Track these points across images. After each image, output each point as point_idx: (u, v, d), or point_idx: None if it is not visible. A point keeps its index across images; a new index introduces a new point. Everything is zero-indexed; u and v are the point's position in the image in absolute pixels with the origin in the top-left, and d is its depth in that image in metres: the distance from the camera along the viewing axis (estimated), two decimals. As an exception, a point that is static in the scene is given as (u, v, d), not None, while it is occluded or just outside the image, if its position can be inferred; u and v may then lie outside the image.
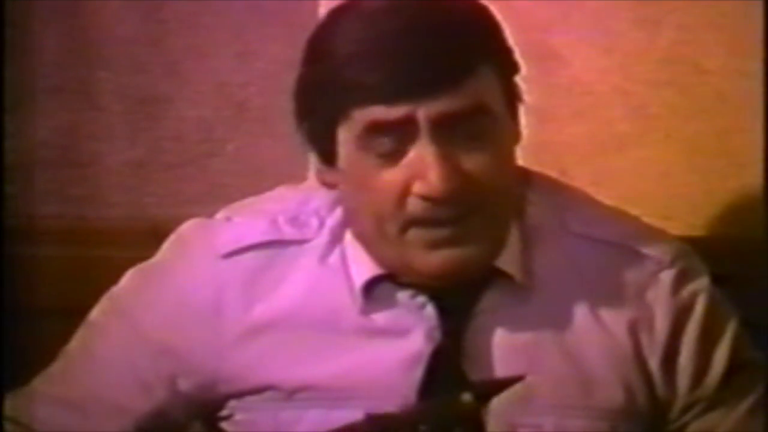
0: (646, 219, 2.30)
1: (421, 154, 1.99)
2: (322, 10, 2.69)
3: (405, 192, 2.00)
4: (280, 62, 2.66)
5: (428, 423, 1.93)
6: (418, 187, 1.99)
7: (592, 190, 2.30)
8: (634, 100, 2.71)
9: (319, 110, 2.07)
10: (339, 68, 2.03)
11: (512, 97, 2.10)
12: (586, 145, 2.66)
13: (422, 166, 1.99)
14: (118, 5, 2.91)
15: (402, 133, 1.99)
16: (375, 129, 2.00)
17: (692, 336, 2.14)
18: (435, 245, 2.03)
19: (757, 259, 2.55)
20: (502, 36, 2.10)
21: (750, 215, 2.62)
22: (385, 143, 2.01)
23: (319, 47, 2.09)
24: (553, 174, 2.29)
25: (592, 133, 2.67)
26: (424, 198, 2.00)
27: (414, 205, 2.01)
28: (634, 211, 2.29)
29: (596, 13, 2.78)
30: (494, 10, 2.15)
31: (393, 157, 2.01)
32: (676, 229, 2.41)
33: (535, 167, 2.22)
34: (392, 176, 2.01)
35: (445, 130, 1.99)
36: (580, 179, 2.45)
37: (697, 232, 2.55)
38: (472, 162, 2.01)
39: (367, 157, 2.02)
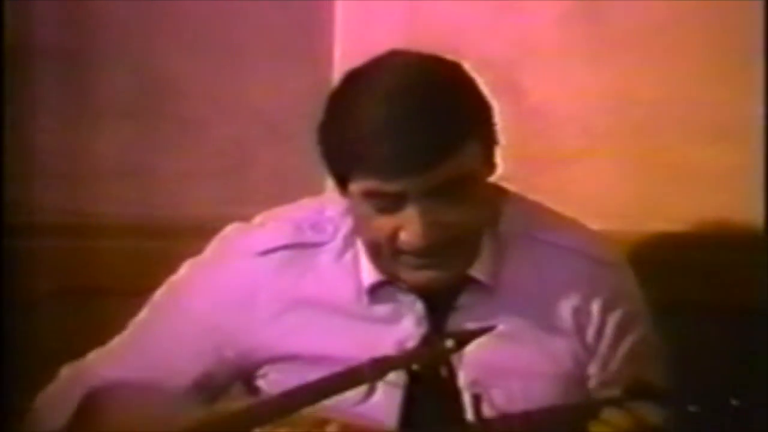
0: (590, 216, 2.42)
1: (408, 214, 2.13)
2: (337, 51, 3.00)
3: (396, 233, 2.15)
4: (303, 91, 2.73)
5: (419, 363, 2.12)
6: (403, 237, 2.14)
7: (551, 194, 2.41)
8: (584, 123, 2.82)
9: (332, 164, 2.20)
10: (348, 142, 2.15)
11: (491, 153, 2.22)
12: (545, 159, 2.76)
13: (408, 222, 2.13)
14: (172, 46, 2.98)
15: (394, 199, 2.14)
16: (373, 194, 2.14)
17: (617, 316, 2.30)
18: (419, 268, 2.19)
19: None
20: (488, 114, 2.20)
21: (672, 210, 2.74)
22: (380, 203, 2.14)
23: (336, 112, 2.20)
24: (519, 181, 2.38)
25: (550, 149, 2.79)
26: (408, 247, 2.17)
27: (402, 242, 2.16)
28: (583, 210, 2.42)
29: (553, 52, 2.87)
30: (470, 60, 2.22)
31: (387, 210, 2.15)
32: (611, 224, 2.57)
33: (504, 174, 2.28)
34: (386, 223, 2.15)
35: (430, 195, 2.13)
36: (541, 185, 2.55)
37: (629, 227, 2.69)
38: (452, 214, 2.14)
39: (367, 206, 2.16)
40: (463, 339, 2.04)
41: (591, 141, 2.81)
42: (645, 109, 2.80)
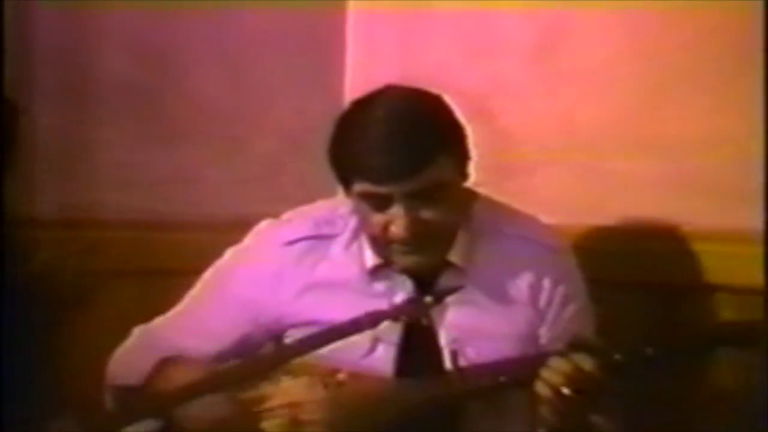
0: (545, 213, 2.62)
1: (395, 212, 2.37)
2: (347, 83, 3.25)
3: (387, 227, 2.39)
4: (320, 115, 2.74)
5: (407, 315, 2.34)
6: (392, 229, 2.39)
7: (514, 197, 2.64)
8: (541, 141, 2.98)
9: (338, 171, 2.44)
10: (350, 155, 2.40)
11: (464, 165, 2.44)
12: (510, 169, 2.92)
13: (395, 218, 2.38)
14: (214, 77, 3.15)
15: (384, 199, 2.37)
16: (367, 196, 2.37)
17: (562, 290, 2.52)
18: (406, 254, 2.42)
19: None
20: (461, 134, 2.44)
21: (607, 208, 2.88)
22: (373, 202, 2.38)
23: (342, 132, 2.45)
24: (489, 186, 2.58)
25: (514, 161, 2.95)
26: (396, 237, 2.40)
27: (392, 234, 2.40)
28: (540, 209, 2.61)
29: (518, 86, 3.03)
30: (450, 92, 2.43)
31: (379, 208, 2.38)
32: (561, 220, 2.72)
33: (478, 181, 2.50)
34: (379, 219, 2.39)
35: (412, 198, 2.36)
36: (507, 190, 2.72)
37: (574, 222, 2.82)
38: (430, 213, 2.38)
39: (364, 205, 2.40)
40: (438, 296, 2.32)
41: (547, 155, 2.96)
42: (589, 130, 2.94)
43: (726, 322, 2.52)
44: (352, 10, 3.23)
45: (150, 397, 2.40)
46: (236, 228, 2.59)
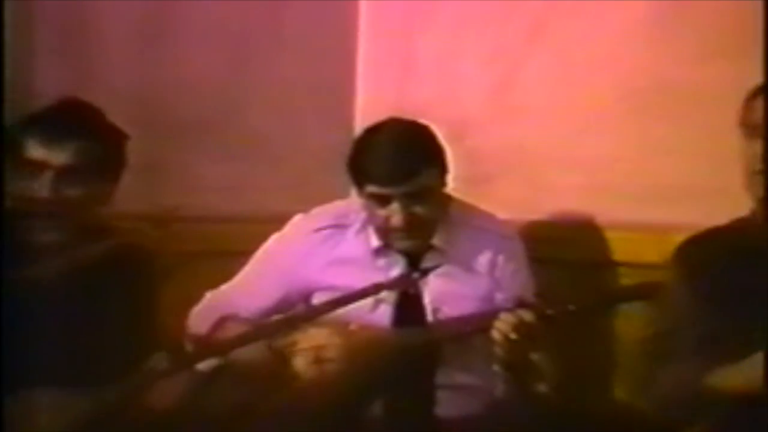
0: (501, 211, 2.63)
1: (394, 208, 2.42)
2: (358, 117, 3.18)
3: (388, 219, 2.43)
4: (338, 139, 2.76)
5: (400, 285, 2.46)
6: (392, 221, 2.43)
7: (479, 199, 2.64)
8: (498, 158, 2.94)
9: (353, 177, 2.47)
10: (363, 167, 2.44)
11: (444, 175, 2.47)
12: (476, 179, 2.82)
13: (394, 213, 2.42)
14: (256, 111, 3.04)
15: (386, 198, 2.42)
16: (374, 195, 2.44)
17: (512, 265, 2.56)
18: (401, 239, 2.47)
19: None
20: (443, 154, 2.47)
21: (545, 207, 2.85)
22: (378, 200, 2.43)
23: (357, 150, 2.48)
24: (461, 191, 2.59)
25: (479, 173, 2.86)
26: (394, 227, 2.44)
27: (391, 224, 2.44)
28: (497, 208, 2.63)
29: (481, 116, 2.99)
30: (435, 122, 2.50)
31: (382, 205, 2.43)
32: (512, 215, 2.71)
33: (454, 187, 2.54)
34: (382, 213, 2.43)
35: (407, 198, 2.41)
36: (473, 194, 2.65)
37: (521, 217, 2.78)
38: (419, 210, 2.43)
39: (372, 202, 2.45)
40: (424, 272, 2.46)
41: (503, 170, 2.94)
42: (533, 151, 2.91)
43: (625, 286, 2.55)
44: (361, 59, 3.21)
45: (213, 343, 2.45)
46: (277, 221, 2.61)
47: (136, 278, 2.30)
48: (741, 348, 1.95)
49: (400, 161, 2.43)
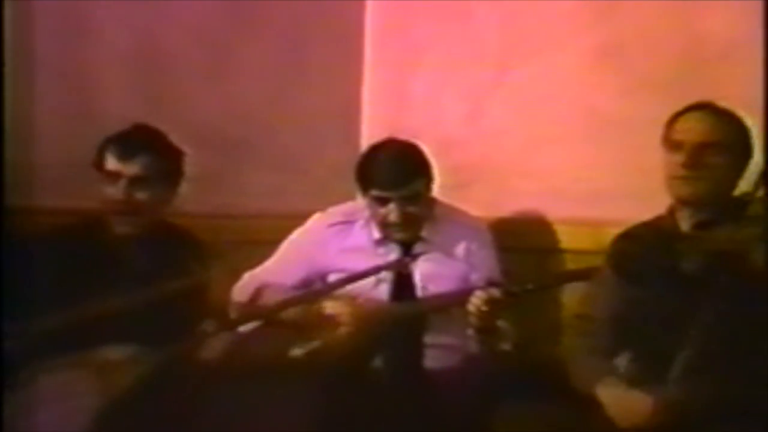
0: (474, 210, 2.61)
1: (392, 208, 2.43)
2: (364, 137, 3.07)
3: (387, 216, 2.44)
4: (350, 154, 2.64)
5: (396, 267, 2.44)
6: (390, 218, 2.44)
7: (458, 202, 2.61)
8: (472, 170, 2.86)
9: (360, 183, 2.48)
10: (368, 175, 2.45)
11: (431, 183, 2.47)
12: (455, 185, 2.73)
13: (392, 212, 2.43)
14: (287, 133, 2.98)
15: (386, 200, 2.43)
16: (376, 197, 2.45)
17: (483, 251, 2.54)
18: (397, 232, 2.48)
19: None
20: (430, 167, 2.47)
21: (505, 207, 2.79)
22: (380, 201, 2.44)
23: (364, 162, 2.49)
24: (444, 194, 2.58)
25: (457, 181, 2.76)
26: (392, 223, 2.44)
27: (389, 221, 2.44)
28: (471, 207, 2.61)
29: (459, 137, 2.92)
30: (424, 141, 2.49)
31: (383, 205, 2.44)
32: (481, 213, 2.63)
33: (437, 193, 2.54)
34: (383, 211, 2.45)
35: (402, 200, 2.42)
36: (454, 197, 2.62)
37: (491, 215, 2.70)
38: (412, 209, 2.44)
39: (374, 203, 2.45)
40: (414, 257, 2.47)
41: (475, 178, 2.87)
42: (498, 164, 2.87)
43: (569, 270, 2.52)
44: (366, 92, 3.13)
45: (250, 311, 2.46)
46: (300, 218, 2.61)
47: (191, 261, 2.28)
48: (647, 325, 2.01)
49: (397, 171, 2.45)
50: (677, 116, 2.11)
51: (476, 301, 2.32)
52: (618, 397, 1.96)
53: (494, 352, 2.40)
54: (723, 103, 2.10)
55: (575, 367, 2.12)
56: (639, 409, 1.90)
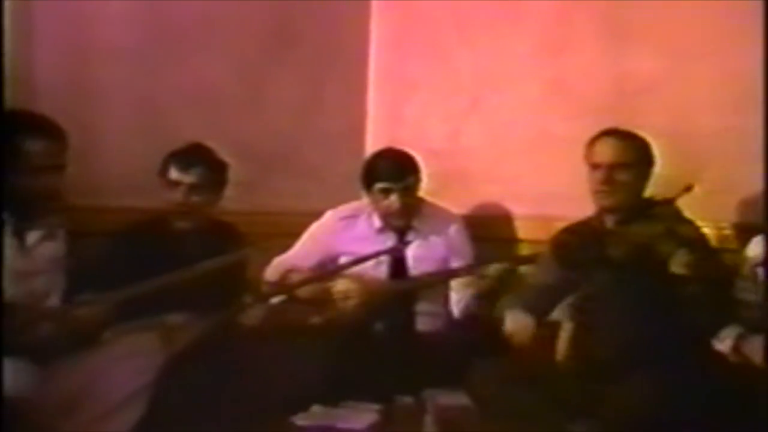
0: (454, 207, 2.60)
1: (392, 199, 2.42)
2: (368, 147, 2.94)
3: (388, 207, 2.43)
4: (353, 167, 2.56)
5: (392, 252, 2.41)
6: (392, 207, 2.43)
7: (440, 200, 2.58)
8: (457, 175, 2.77)
9: (366, 180, 2.45)
10: (373, 171, 2.44)
11: (420, 182, 2.45)
12: (437, 190, 2.60)
13: (392, 202, 2.42)
14: (314, 149, 2.90)
15: (388, 192, 2.43)
16: (381, 189, 2.44)
17: (459, 238, 2.52)
18: (397, 219, 2.47)
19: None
20: (419, 169, 2.46)
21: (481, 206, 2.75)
22: (383, 193, 2.42)
23: (368, 164, 2.48)
24: (430, 196, 2.55)
25: (440, 185, 2.63)
26: (392, 212, 2.44)
27: (390, 210, 2.44)
28: (451, 204, 2.59)
29: (439, 150, 2.80)
30: (415, 150, 2.46)
31: (385, 196, 2.44)
32: (459, 211, 2.62)
33: (424, 192, 2.51)
34: (386, 202, 2.43)
35: (402, 190, 2.41)
36: (436, 196, 2.57)
37: (460, 211, 2.65)
38: (409, 199, 2.44)
39: (379, 195, 2.44)
40: (406, 243, 2.44)
41: (451, 183, 2.76)
42: (469, 171, 2.81)
43: (524, 255, 2.50)
44: (370, 119, 3.02)
45: (280, 286, 2.45)
46: (317, 215, 2.60)
47: (233, 248, 2.27)
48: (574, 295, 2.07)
49: (397, 167, 2.45)
50: (594, 140, 2.14)
51: (456, 281, 2.37)
52: (511, 318, 2.06)
53: (468, 316, 2.40)
54: (645, 128, 2.14)
55: (510, 315, 2.14)
56: (524, 325, 2.02)
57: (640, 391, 1.79)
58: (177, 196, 2.31)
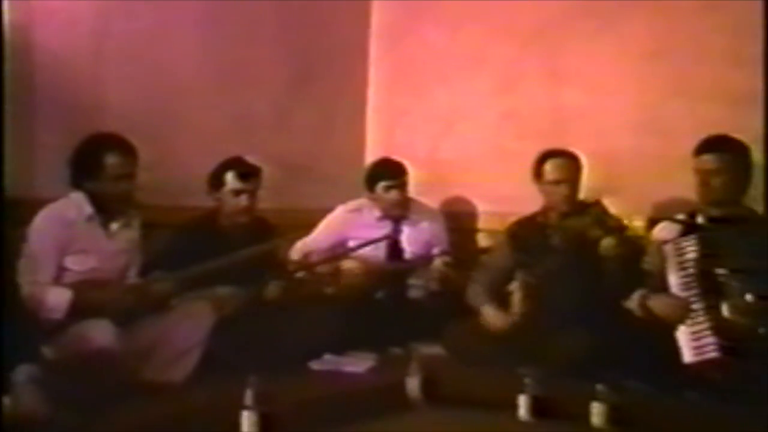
0: (438, 206, 2.60)
1: (394, 193, 2.41)
2: (366, 159, 2.87)
3: (390, 200, 2.41)
4: (357, 175, 2.55)
5: (388, 239, 2.39)
6: (394, 200, 2.41)
7: (427, 199, 2.59)
8: (448, 179, 2.70)
9: (369, 181, 2.43)
10: (376, 174, 2.43)
11: (408, 181, 2.41)
12: (425, 191, 2.57)
13: (393, 197, 2.42)
14: (329, 162, 2.82)
15: (390, 187, 2.41)
16: (386, 186, 2.43)
17: (439, 227, 2.49)
18: (396, 210, 2.44)
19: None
20: (408, 171, 2.41)
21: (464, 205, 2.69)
22: (387, 189, 2.41)
23: (370, 171, 2.47)
24: (420, 196, 2.55)
25: (428, 188, 2.58)
26: (392, 204, 2.43)
27: (390, 203, 2.42)
28: (436, 203, 2.59)
29: (426, 159, 2.73)
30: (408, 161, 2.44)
31: (389, 192, 2.42)
32: (442, 209, 2.61)
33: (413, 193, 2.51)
34: (388, 196, 2.41)
35: (401, 185, 2.41)
36: (424, 196, 2.55)
37: (441, 208, 2.63)
38: (405, 193, 2.43)
39: (382, 192, 2.42)
40: (399, 231, 2.43)
41: (432, 185, 2.65)
42: (449, 179, 2.73)
43: (487, 245, 2.49)
44: (369, 140, 2.95)
45: (302, 263, 2.39)
46: (332, 211, 2.55)
47: (267, 238, 2.21)
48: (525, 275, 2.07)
49: (395, 168, 2.44)
50: (544, 159, 2.15)
51: (438, 264, 2.35)
52: (487, 313, 2.09)
53: (446, 288, 2.37)
54: (577, 147, 2.17)
55: (471, 292, 2.18)
56: (498, 318, 2.06)
57: (574, 341, 1.89)
58: (242, 201, 2.18)
